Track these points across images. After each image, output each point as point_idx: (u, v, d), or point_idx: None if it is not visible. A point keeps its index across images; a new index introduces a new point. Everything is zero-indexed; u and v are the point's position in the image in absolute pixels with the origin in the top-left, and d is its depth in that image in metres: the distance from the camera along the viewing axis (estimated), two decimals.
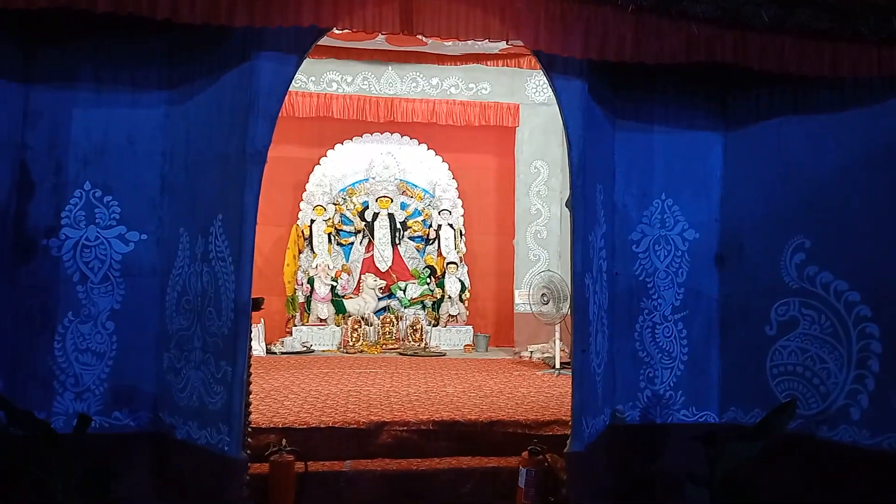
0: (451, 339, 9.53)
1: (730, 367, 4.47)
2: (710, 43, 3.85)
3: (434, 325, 9.63)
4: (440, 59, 9.19)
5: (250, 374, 3.86)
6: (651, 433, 4.41)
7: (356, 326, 9.24)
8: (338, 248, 9.86)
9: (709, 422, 4.45)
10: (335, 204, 9.83)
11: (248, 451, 3.74)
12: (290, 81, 3.82)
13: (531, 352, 8.72)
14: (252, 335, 4.00)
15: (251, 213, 3.64)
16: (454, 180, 10.16)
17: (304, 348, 8.92)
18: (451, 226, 9.93)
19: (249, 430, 3.93)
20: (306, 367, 7.49)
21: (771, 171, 4.37)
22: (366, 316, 9.41)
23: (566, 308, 7.30)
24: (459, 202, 10.13)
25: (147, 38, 4.00)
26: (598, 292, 4.21)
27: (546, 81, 4.17)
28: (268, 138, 3.68)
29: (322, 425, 4.63)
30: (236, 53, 3.76)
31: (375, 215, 9.92)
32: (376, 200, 9.94)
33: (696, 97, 4.56)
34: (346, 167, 10.01)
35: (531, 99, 9.74)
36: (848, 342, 4.05)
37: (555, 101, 4.13)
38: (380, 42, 8.45)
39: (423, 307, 9.79)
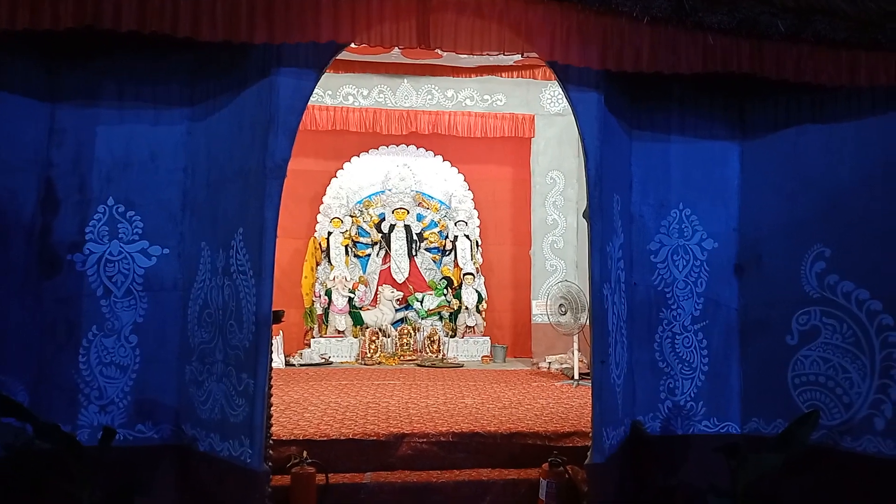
0: (468, 350, 9.52)
1: (751, 377, 4.43)
2: (727, 53, 3.86)
3: (451, 336, 9.63)
4: (455, 71, 9.26)
5: (271, 386, 3.89)
6: (672, 444, 4.38)
7: (374, 338, 9.26)
8: (355, 259, 9.90)
9: (730, 433, 4.42)
10: (352, 216, 9.88)
11: (270, 464, 3.76)
12: (309, 96, 3.87)
13: (549, 362, 8.68)
14: (272, 347, 4.03)
15: (271, 227, 3.68)
16: (470, 191, 10.18)
17: (323, 360, 8.96)
18: (467, 237, 9.95)
19: (271, 442, 3.96)
20: (325, 379, 7.50)
21: (789, 179, 4.35)
22: (383, 327, 9.43)
23: (584, 318, 7.28)
24: (475, 213, 10.14)
25: (169, 56, 4.08)
26: (616, 303, 4.21)
27: (561, 92, 4.19)
28: (287, 152, 3.73)
29: (342, 437, 4.65)
30: (256, 70, 3.82)
31: (392, 227, 9.96)
32: (393, 212, 9.98)
33: (713, 107, 4.55)
34: (362, 179, 10.07)
35: (546, 110, 9.75)
36: (871, 351, 4.01)
37: (570, 111, 4.15)
38: (395, 55, 8.53)
39: (441, 318, 9.80)
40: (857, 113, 4.12)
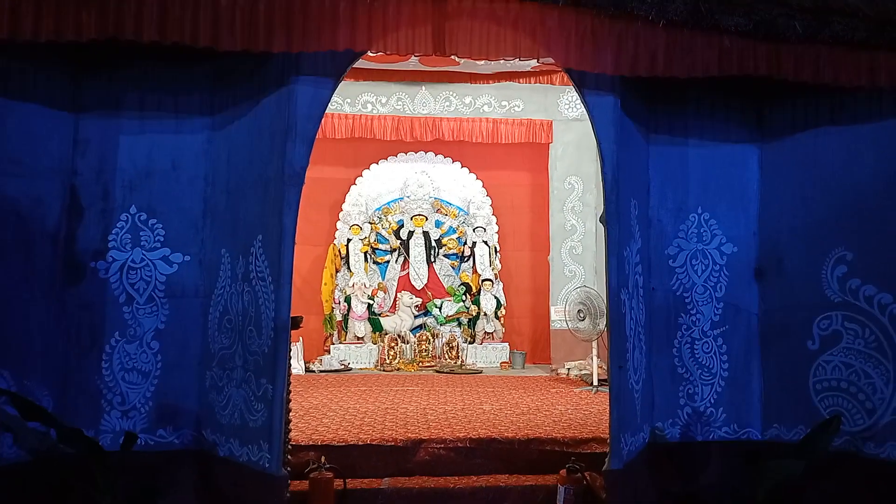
0: (487, 356, 9.51)
1: (772, 382, 4.39)
2: (743, 55, 3.84)
3: (470, 343, 9.62)
4: (473, 77, 9.28)
5: (290, 391, 3.91)
6: (691, 451, 4.34)
7: (393, 344, 9.28)
8: (374, 266, 9.94)
9: (751, 439, 4.37)
10: (371, 223, 9.93)
11: (289, 469, 3.79)
12: (327, 104, 3.91)
13: (568, 369, 8.64)
14: (291, 353, 4.07)
15: (290, 234, 3.71)
16: (488, 197, 10.19)
17: (342, 366, 8.99)
18: (485, 243, 9.95)
19: (289, 447, 3.98)
20: (344, 385, 7.54)
21: (809, 182, 4.31)
22: (402, 334, 9.45)
23: (603, 324, 7.23)
24: (494, 219, 10.14)
25: (190, 66, 4.14)
26: (634, 308, 4.19)
27: (579, 98, 4.19)
28: (305, 160, 3.76)
29: (360, 442, 4.66)
30: (275, 78, 3.86)
31: (411, 233, 9.99)
32: (411, 219, 10.01)
33: (730, 109, 4.52)
34: (381, 186, 10.12)
35: (564, 115, 9.74)
36: (894, 356, 3.95)
37: (587, 117, 4.14)
38: (413, 63, 8.57)
39: (459, 324, 9.80)
40: (877, 114, 4.08)
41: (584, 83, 4.04)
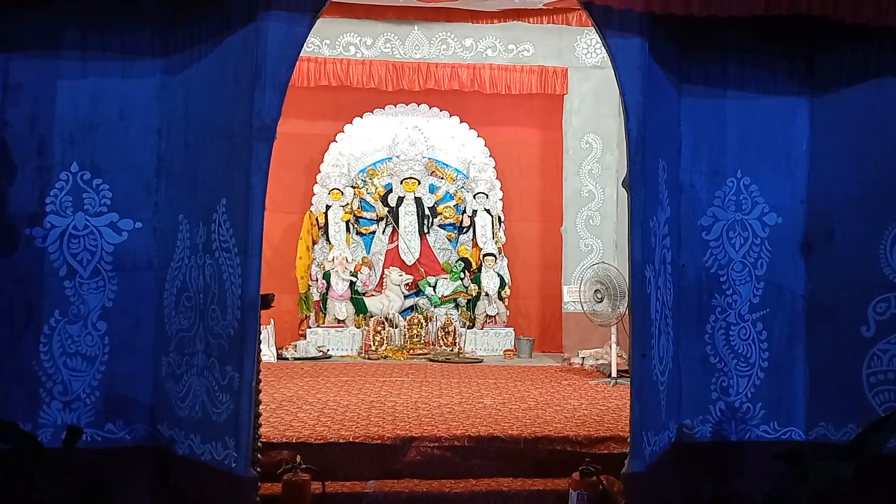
0: (488, 343, 9.56)
1: (818, 374, 4.42)
2: None
3: (469, 327, 9.67)
4: (475, 16, 9.20)
5: (259, 381, 3.93)
6: (724, 452, 4.39)
7: (379, 328, 9.32)
8: (357, 237, 9.94)
9: (793, 439, 4.41)
10: (354, 187, 9.91)
11: (258, 469, 3.82)
12: (302, 45, 3.87)
13: (583, 358, 8.70)
14: (261, 338, 4.08)
15: (259, 197, 3.70)
16: (491, 158, 10.16)
17: (320, 353, 9.04)
18: (487, 211, 9.95)
19: (259, 444, 4.01)
20: (323, 375, 7.58)
21: (867, 142, 4.30)
22: (390, 316, 9.49)
23: (623, 307, 7.27)
24: (498, 184, 10.13)
25: None
26: (661, 287, 4.20)
27: (599, 40, 4.17)
28: (277, 110, 3.74)
29: (341, 440, 4.70)
30: (241, 14, 3.82)
31: (400, 200, 9.98)
32: (401, 182, 9.99)
33: (776, 56, 4.50)
34: (366, 144, 10.08)
35: (582, 61, 9.68)
36: None
37: (609, 63, 4.12)
38: None
39: (457, 306, 9.83)
40: None
41: (606, 23, 4.01)
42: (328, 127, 9.96)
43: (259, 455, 3.93)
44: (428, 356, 9.15)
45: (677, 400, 4.37)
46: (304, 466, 4.28)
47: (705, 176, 4.48)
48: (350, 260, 9.64)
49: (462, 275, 9.85)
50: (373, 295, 9.69)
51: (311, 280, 9.61)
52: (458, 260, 9.95)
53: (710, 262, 4.46)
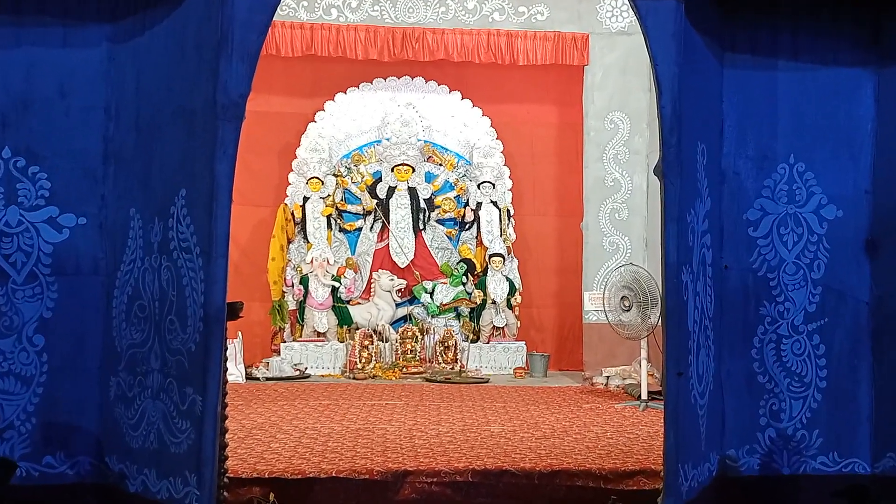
0: (495, 359, 9.58)
1: (886, 396, 4.43)
2: None
3: (473, 341, 9.68)
4: None
5: (226, 405, 3.93)
6: (775, 487, 4.40)
7: (366, 343, 9.33)
8: (340, 235, 9.96)
9: (856, 472, 4.42)
10: (336, 175, 9.92)
11: None
12: (276, 7, 3.88)
13: (607, 377, 8.72)
14: (227, 354, 4.08)
15: (225, 187, 3.70)
16: (498, 141, 10.19)
17: (297, 372, 9.05)
18: (494, 204, 9.97)
19: (226, 480, 4.01)
20: (300, 398, 7.59)
21: None
22: (379, 328, 9.50)
23: (655, 316, 7.28)
24: (506, 171, 10.16)
25: None
26: (700, 293, 4.21)
27: (625, 1, 4.17)
28: (246, 84, 3.73)
29: (323, 475, 4.71)
30: None
31: (391, 190, 9.99)
32: (392, 170, 10.01)
33: (837, 21, 4.51)
34: (350, 125, 10.10)
35: (605, 26, 9.69)
36: None
37: (638, 28, 4.12)
38: None
39: (458, 316, 9.85)
40: None
41: None
42: (305, 105, 9.99)
43: (226, 493, 3.94)
44: (424, 375, 9.17)
45: (720, 427, 4.38)
46: None
47: (752, 162, 4.48)
48: (332, 262, 9.65)
49: (464, 279, 9.86)
50: (359, 303, 9.71)
51: (286, 286, 9.62)
52: (460, 262, 9.97)
53: (759, 263, 4.47)
